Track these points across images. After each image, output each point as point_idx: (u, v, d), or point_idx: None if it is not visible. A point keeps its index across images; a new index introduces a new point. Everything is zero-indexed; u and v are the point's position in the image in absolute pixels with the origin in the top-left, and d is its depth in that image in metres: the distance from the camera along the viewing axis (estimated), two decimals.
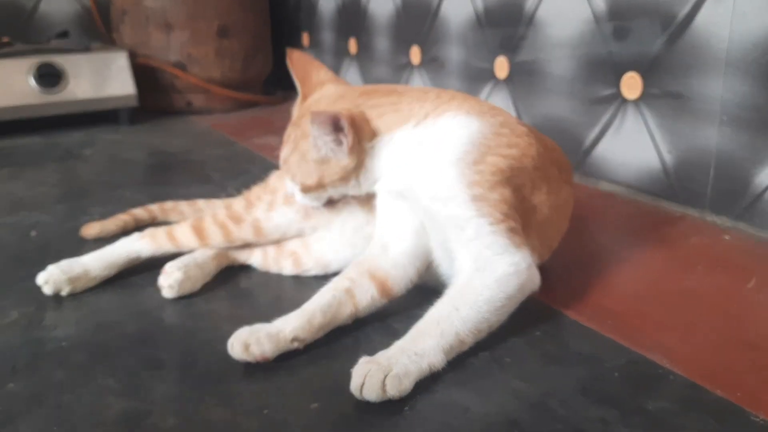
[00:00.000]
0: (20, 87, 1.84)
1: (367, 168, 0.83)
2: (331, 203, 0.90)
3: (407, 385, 0.66)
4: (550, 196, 0.83)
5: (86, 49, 1.97)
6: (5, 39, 2.17)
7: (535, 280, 0.78)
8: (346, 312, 0.78)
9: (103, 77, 1.95)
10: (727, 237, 1.07)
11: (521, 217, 0.78)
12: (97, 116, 1.98)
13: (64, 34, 2.17)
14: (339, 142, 0.80)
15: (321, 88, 0.91)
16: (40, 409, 0.66)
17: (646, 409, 0.65)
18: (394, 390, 0.65)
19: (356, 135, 0.80)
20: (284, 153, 0.89)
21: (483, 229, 0.75)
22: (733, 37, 1.03)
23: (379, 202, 0.86)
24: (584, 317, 0.83)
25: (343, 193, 0.87)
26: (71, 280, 0.89)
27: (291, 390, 0.69)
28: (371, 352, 0.69)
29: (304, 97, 0.92)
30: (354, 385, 0.65)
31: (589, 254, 1.02)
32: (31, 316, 0.84)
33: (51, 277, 0.88)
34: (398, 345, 0.70)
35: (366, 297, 0.79)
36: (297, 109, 0.94)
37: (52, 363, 0.74)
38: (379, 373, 0.65)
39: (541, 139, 0.86)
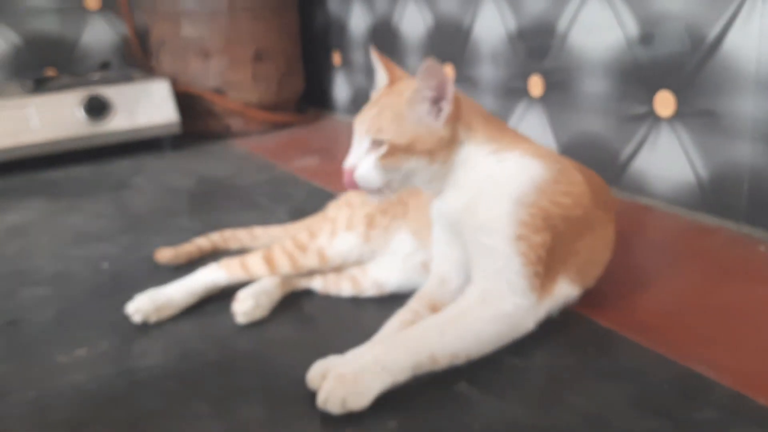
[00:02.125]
0: (70, 119, 1.93)
1: (452, 160, 0.84)
2: (390, 193, 0.86)
3: (367, 401, 0.73)
4: (593, 240, 0.89)
5: (129, 80, 2.06)
6: (51, 72, 2.28)
7: (530, 324, 0.83)
8: None
9: (147, 106, 2.04)
10: (762, 248, 1.11)
11: (559, 259, 0.84)
12: (141, 144, 2.07)
13: (105, 65, 2.26)
14: (439, 109, 0.82)
15: (402, 80, 0.92)
16: None
17: (695, 419, 0.71)
18: (354, 405, 0.72)
19: (457, 113, 0.83)
20: (368, 114, 0.86)
21: (513, 267, 0.81)
22: (761, 58, 1.08)
23: (435, 235, 0.92)
24: (633, 333, 0.88)
25: (416, 176, 0.84)
26: (158, 309, 0.97)
27: (368, 411, 0.74)
28: None
29: (391, 83, 0.92)
30: (319, 401, 0.73)
31: (633, 270, 1.07)
32: (120, 347, 0.91)
33: (141, 307, 0.96)
34: (371, 354, 0.76)
35: None
36: (380, 91, 0.92)
37: (147, 391, 0.81)
38: (341, 392, 0.72)
39: (591, 180, 0.90)
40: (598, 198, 0.90)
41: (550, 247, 0.82)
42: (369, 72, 2.23)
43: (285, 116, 2.33)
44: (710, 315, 0.92)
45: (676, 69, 1.22)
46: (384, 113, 0.84)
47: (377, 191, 0.84)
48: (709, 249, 1.14)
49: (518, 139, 0.88)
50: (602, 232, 0.92)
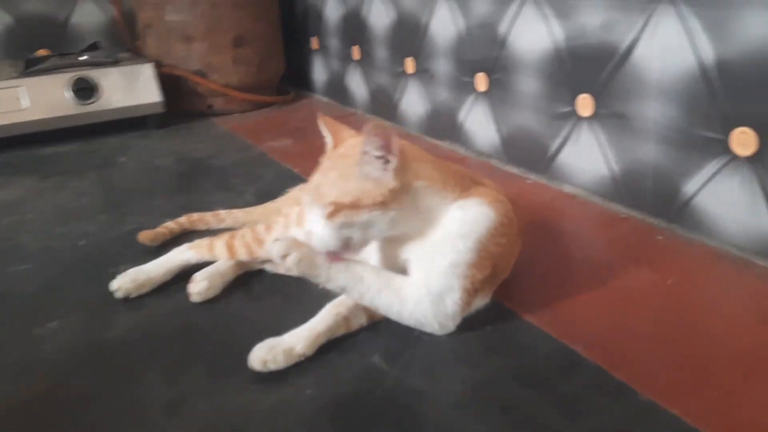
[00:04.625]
0: (59, 100, 2.05)
1: (409, 208, 0.90)
2: (357, 248, 0.93)
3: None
4: (509, 259, 1.03)
5: (116, 62, 2.18)
6: (43, 52, 2.40)
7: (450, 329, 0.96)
8: (340, 332, 0.96)
9: (132, 87, 2.16)
10: (660, 237, 1.25)
11: (486, 281, 0.96)
12: (129, 122, 2.18)
13: (94, 46, 2.38)
14: (386, 162, 0.88)
15: (345, 142, 1.00)
16: (104, 398, 0.86)
17: (561, 390, 0.83)
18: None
19: (403, 163, 0.89)
20: (312, 185, 0.93)
21: (455, 299, 0.93)
22: (664, 68, 1.20)
23: (377, 255, 1.01)
24: (529, 314, 1.00)
25: (374, 228, 0.90)
26: (138, 287, 1.11)
27: (291, 379, 0.88)
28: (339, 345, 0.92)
29: (336, 146, 1.00)
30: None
31: (545, 255, 1.21)
32: (89, 320, 1.04)
33: (122, 285, 1.10)
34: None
35: (357, 323, 0.98)
36: (327, 156, 0.99)
37: (108, 361, 0.94)
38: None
39: (517, 211, 1.01)
40: (520, 227, 1.03)
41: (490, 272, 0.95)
42: (343, 57, 2.35)
43: (265, 97, 2.46)
44: (598, 297, 1.05)
45: (594, 75, 1.35)
46: (329, 176, 0.91)
47: (343, 249, 0.91)
48: (617, 236, 1.27)
49: (469, 183, 0.96)
50: (515, 251, 1.05)
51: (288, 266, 0.92)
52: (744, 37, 1.07)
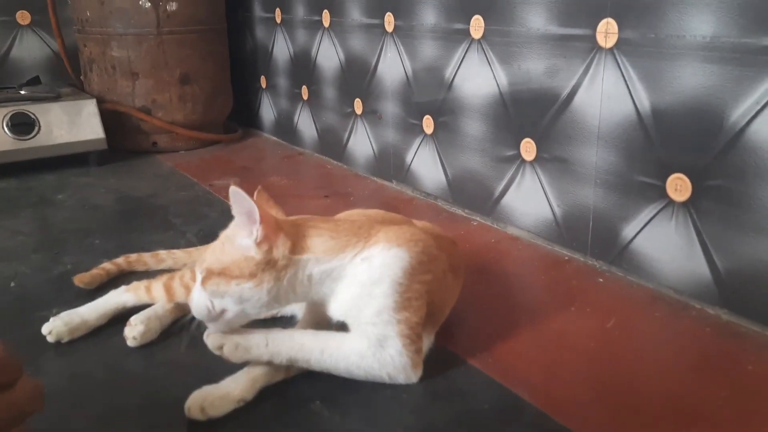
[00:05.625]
0: None
1: (289, 280, 0.88)
2: (230, 322, 0.90)
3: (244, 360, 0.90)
4: (444, 297, 1.02)
5: (57, 97, 2.13)
6: None
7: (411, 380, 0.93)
8: (279, 377, 0.94)
9: (73, 123, 2.11)
10: (601, 279, 1.28)
11: (425, 322, 0.95)
12: (69, 158, 2.13)
13: (34, 80, 2.32)
14: (251, 233, 0.86)
15: None
16: None
17: None
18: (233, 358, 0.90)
19: (271, 235, 0.87)
20: (210, 246, 0.94)
21: (397, 347, 0.91)
22: (603, 115, 1.24)
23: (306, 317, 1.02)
24: (472, 357, 1.00)
25: (250, 302, 0.87)
26: (71, 330, 1.06)
27: (231, 427, 0.86)
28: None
29: None
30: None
31: (487, 299, 1.21)
32: None
33: (54, 328, 1.06)
34: (261, 333, 0.90)
35: (297, 368, 0.94)
36: None
37: None
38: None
39: (443, 245, 1.02)
40: (451, 262, 1.03)
41: (424, 310, 0.94)
42: (292, 96, 2.36)
43: (211, 135, 2.44)
44: (540, 342, 1.06)
45: (536, 120, 1.38)
46: (214, 245, 0.91)
47: (217, 320, 0.89)
48: (559, 278, 1.29)
49: (373, 230, 0.93)
50: (451, 288, 1.05)
51: (226, 357, 0.90)
52: (678, 87, 1.12)
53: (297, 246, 0.89)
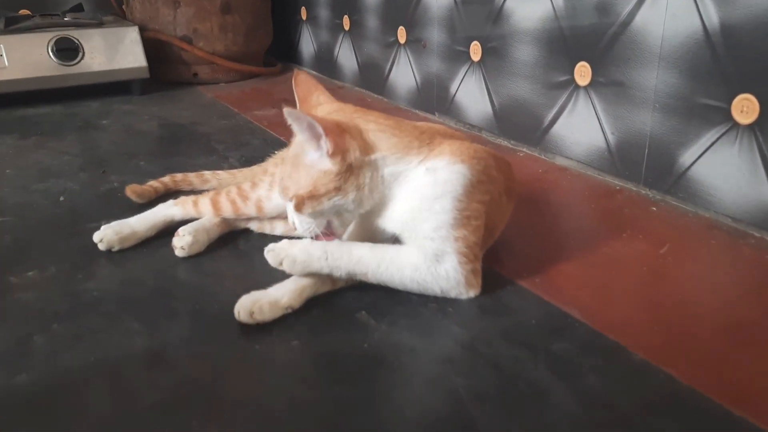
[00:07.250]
0: (40, 60, 2.00)
1: (368, 184, 0.88)
2: (340, 227, 0.92)
3: (300, 270, 0.90)
4: (497, 218, 1.00)
5: (100, 24, 2.12)
6: (24, 12, 2.33)
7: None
8: (325, 288, 0.94)
9: (116, 50, 2.11)
10: (654, 208, 1.24)
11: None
12: (112, 86, 2.14)
13: (78, 8, 2.32)
14: (320, 147, 0.85)
15: (317, 108, 0.97)
16: (80, 345, 0.84)
17: (551, 349, 0.82)
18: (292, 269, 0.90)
19: (340, 143, 0.85)
20: (279, 172, 0.94)
21: (453, 263, 0.90)
22: (666, 35, 1.18)
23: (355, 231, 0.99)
24: (521, 279, 0.99)
25: (341, 211, 0.90)
26: (122, 240, 1.08)
27: (277, 331, 0.86)
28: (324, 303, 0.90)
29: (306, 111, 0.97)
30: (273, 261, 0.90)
31: (538, 226, 1.19)
32: (68, 272, 1.02)
33: (105, 236, 1.07)
34: (320, 245, 0.90)
35: (342, 280, 0.95)
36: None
37: (88, 310, 0.92)
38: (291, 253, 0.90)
39: (501, 167, 0.99)
40: (507, 185, 1.01)
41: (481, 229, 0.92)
42: (332, 27, 2.31)
43: (251, 67, 2.41)
44: (592, 265, 1.04)
45: (593, 42, 1.33)
46: (285, 171, 0.91)
47: (328, 231, 0.91)
48: (609, 207, 1.26)
49: (435, 140, 0.92)
50: (505, 210, 1.03)
51: (287, 271, 0.90)
52: (750, 1, 1.05)
53: (364, 145, 0.88)
